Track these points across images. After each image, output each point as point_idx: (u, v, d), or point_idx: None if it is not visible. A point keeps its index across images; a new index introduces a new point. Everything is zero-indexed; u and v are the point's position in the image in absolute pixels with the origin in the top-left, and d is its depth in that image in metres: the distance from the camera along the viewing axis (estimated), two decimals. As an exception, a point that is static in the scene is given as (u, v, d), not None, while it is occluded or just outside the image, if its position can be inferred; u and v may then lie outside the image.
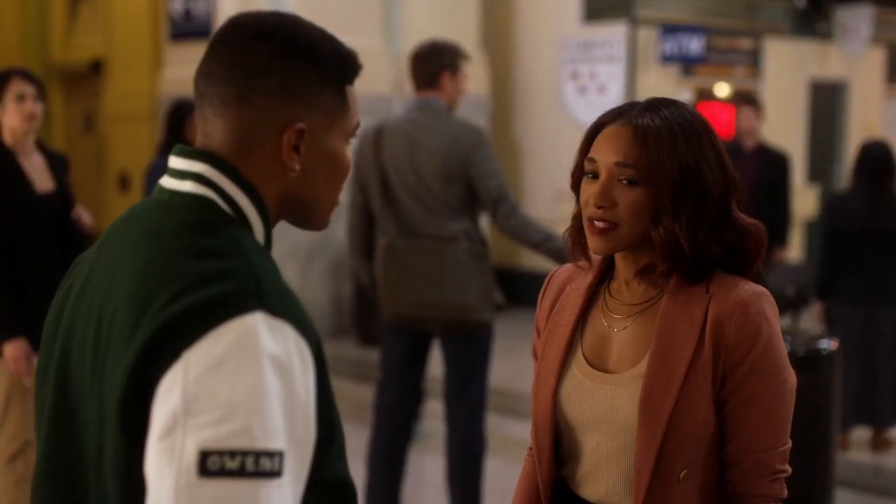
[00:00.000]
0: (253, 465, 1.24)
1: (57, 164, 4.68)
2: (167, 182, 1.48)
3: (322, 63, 1.48)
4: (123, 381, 1.30)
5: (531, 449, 2.23)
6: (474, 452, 4.68)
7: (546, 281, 2.19)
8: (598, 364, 2.01)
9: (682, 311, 1.93)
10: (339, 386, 7.40)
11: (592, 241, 1.96)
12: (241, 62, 1.45)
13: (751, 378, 1.89)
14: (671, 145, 1.90)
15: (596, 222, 1.93)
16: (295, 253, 8.68)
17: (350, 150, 1.55)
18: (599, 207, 1.93)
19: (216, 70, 1.46)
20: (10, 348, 4.29)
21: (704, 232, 1.92)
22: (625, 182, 1.92)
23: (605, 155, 1.94)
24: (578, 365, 2.02)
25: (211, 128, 1.47)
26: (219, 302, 1.30)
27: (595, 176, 1.95)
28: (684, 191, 1.90)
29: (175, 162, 1.48)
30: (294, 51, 1.46)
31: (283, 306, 1.34)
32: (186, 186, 1.45)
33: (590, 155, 1.97)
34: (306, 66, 1.47)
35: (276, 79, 1.45)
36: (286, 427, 1.28)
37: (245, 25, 1.48)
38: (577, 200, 2.03)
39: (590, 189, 1.95)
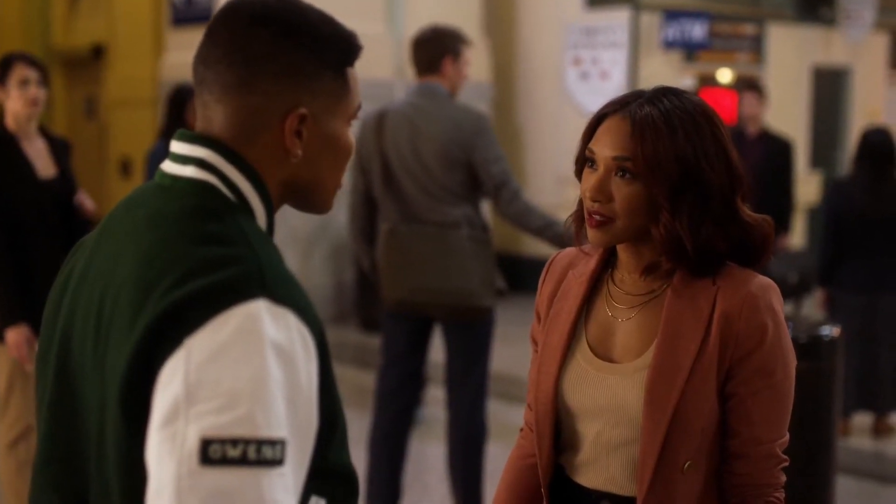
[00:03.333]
0: (255, 453, 1.23)
1: (59, 149, 4.67)
2: (169, 167, 1.47)
3: (323, 46, 1.47)
4: (125, 367, 1.29)
5: (522, 430, 2.23)
6: (475, 438, 4.68)
7: (546, 266, 2.17)
8: (603, 354, 2.00)
9: (689, 303, 1.92)
10: (341, 372, 7.42)
11: (590, 234, 1.95)
12: (241, 47, 1.43)
13: (760, 371, 1.89)
14: (669, 140, 1.87)
15: (593, 215, 1.93)
16: (296, 238, 8.68)
17: (352, 132, 1.54)
18: (595, 201, 1.92)
19: (216, 55, 1.45)
20: (13, 334, 4.29)
21: (707, 228, 1.89)
22: (621, 176, 1.90)
23: (603, 148, 1.92)
24: (583, 354, 2.02)
25: (211, 113, 1.46)
26: (222, 289, 1.29)
27: (594, 166, 1.94)
28: (683, 187, 1.88)
29: (177, 147, 1.47)
30: (295, 34, 1.45)
31: (287, 294, 1.33)
32: (188, 171, 1.44)
33: (590, 145, 1.95)
34: (307, 49, 1.45)
35: (277, 63, 1.43)
36: (288, 415, 1.27)
37: (244, 8, 1.46)
38: None
39: (588, 180, 1.94)
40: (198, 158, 1.44)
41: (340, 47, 1.49)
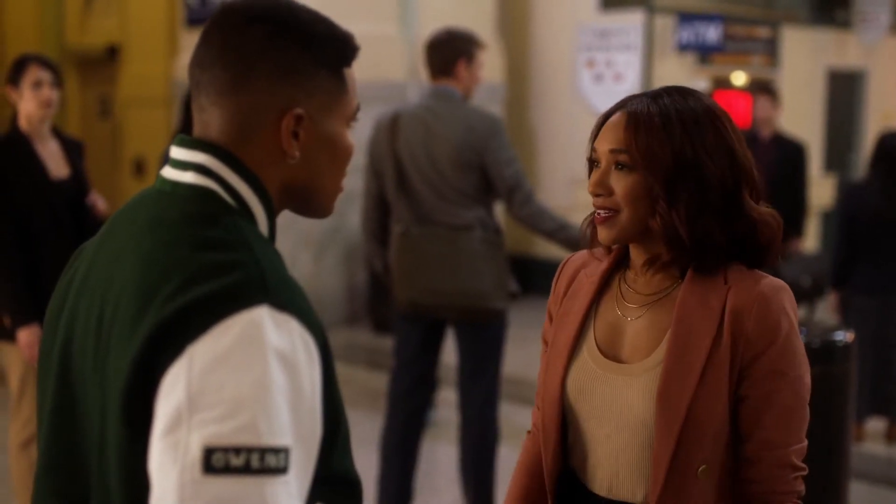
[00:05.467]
0: (258, 461, 1.22)
1: (72, 150, 4.69)
2: (169, 173, 1.46)
3: (318, 45, 1.46)
4: (127, 374, 1.28)
5: (530, 432, 2.23)
6: (487, 441, 4.68)
7: (560, 268, 2.18)
8: (611, 353, 2.00)
9: (700, 302, 1.91)
10: (353, 373, 7.43)
11: (598, 231, 1.97)
12: (236, 47, 1.43)
13: (770, 374, 1.87)
14: (663, 132, 1.90)
15: (598, 210, 1.96)
16: (308, 240, 8.68)
17: (351, 134, 1.53)
18: (597, 196, 1.95)
19: (210, 56, 1.44)
20: (24, 334, 4.30)
21: (705, 221, 1.90)
22: (619, 168, 1.93)
23: (602, 143, 1.96)
24: (591, 353, 2.01)
25: (208, 117, 1.45)
26: (224, 295, 1.28)
27: (598, 164, 1.98)
28: (679, 178, 1.89)
29: (176, 152, 1.46)
30: (289, 34, 1.44)
31: (289, 299, 1.32)
32: (188, 177, 1.43)
33: (594, 144, 2.00)
34: (302, 49, 1.44)
35: (272, 63, 1.42)
36: (292, 423, 1.26)
37: (238, 10, 1.46)
38: None
39: (593, 177, 1.98)
40: (197, 164, 1.43)
41: (336, 47, 1.49)
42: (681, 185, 1.89)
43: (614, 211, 1.93)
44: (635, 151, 1.90)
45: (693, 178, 1.89)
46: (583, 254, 2.16)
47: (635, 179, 1.91)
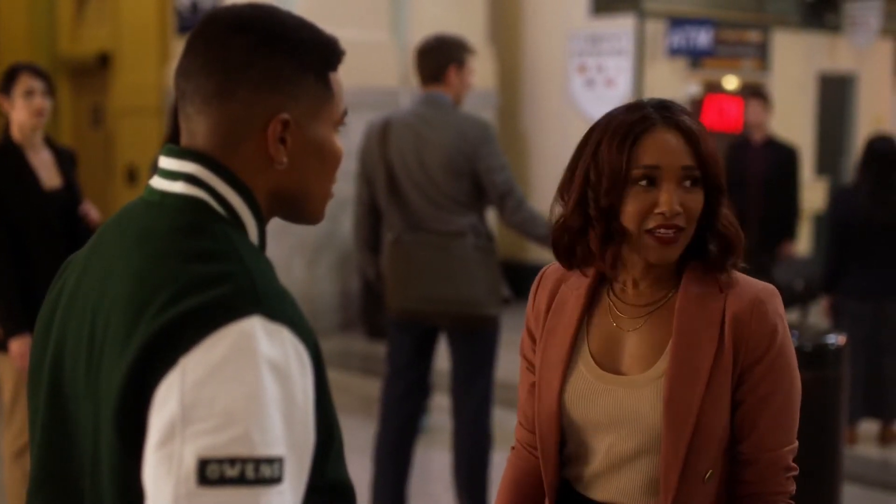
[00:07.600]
0: (253, 472, 1.22)
1: (65, 159, 4.68)
2: (158, 183, 1.45)
3: (303, 51, 1.45)
4: (119, 388, 1.28)
5: (514, 448, 2.22)
6: (481, 447, 4.68)
7: (537, 279, 2.14)
8: (609, 366, 1.98)
9: (700, 310, 1.92)
10: (347, 380, 7.43)
11: (661, 252, 1.90)
12: (220, 56, 1.42)
13: (768, 377, 1.89)
14: (713, 143, 1.94)
15: (664, 230, 1.89)
16: (302, 246, 8.68)
17: (339, 139, 1.52)
18: (677, 214, 1.88)
19: (195, 66, 1.43)
20: (17, 344, 4.29)
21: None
22: (688, 185, 1.90)
23: (670, 159, 1.89)
24: (588, 367, 2.00)
25: (194, 126, 1.44)
26: (215, 307, 1.28)
27: (652, 183, 1.89)
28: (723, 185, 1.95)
29: (164, 162, 1.45)
30: (273, 41, 1.43)
31: (281, 310, 1.32)
32: (178, 187, 1.42)
33: (649, 163, 1.89)
34: (287, 55, 1.44)
35: (256, 70, 1.42)
36: (285, 432, 1.26)
37: (222, 19, 1.45)
38: (584, 210, 1.98)
39: (649, 197, 1.89)
40: (187, 174, 1.42)
41: (321, 52, 1.48)
42: (724, 192, 1.95)
43: (681, 229, 1.90)
44: (707, 166, 1.91)
45: (723, 185, 1.95)
46: (559, 265, 2.11)
47: (701, 195, 1.92)
